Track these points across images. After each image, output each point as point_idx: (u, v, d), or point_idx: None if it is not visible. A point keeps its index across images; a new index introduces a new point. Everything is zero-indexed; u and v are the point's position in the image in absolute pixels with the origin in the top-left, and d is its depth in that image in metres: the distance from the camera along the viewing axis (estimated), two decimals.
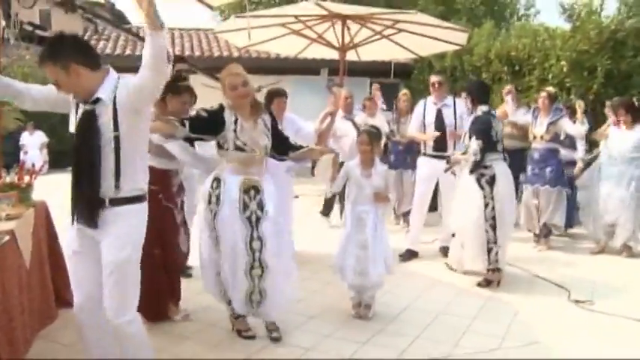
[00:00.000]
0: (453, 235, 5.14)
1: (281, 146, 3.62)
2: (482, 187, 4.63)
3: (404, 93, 7.39)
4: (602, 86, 8.32)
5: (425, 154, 5.70)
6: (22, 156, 11.80)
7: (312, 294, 4.39)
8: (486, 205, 4.61)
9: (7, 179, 3.68)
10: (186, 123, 3.35)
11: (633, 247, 5.92)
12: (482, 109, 4.74)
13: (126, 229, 2.55)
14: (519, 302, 4.40)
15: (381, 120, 7.02)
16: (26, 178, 3.70)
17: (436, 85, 5.63)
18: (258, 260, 3.39)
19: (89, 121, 2.47)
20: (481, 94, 4.86)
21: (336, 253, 3.99)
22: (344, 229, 4.02)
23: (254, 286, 3.41)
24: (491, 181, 4.64)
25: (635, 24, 8.82)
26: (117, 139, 2.47)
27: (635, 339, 3.76)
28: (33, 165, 3.96)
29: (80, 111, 2.50)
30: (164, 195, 3.68)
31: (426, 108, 5.67)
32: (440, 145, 5.56)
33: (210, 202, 3.44)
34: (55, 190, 4.33)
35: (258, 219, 3.40)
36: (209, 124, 3.42)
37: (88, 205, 2.50)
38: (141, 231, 2.63)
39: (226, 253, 3.42)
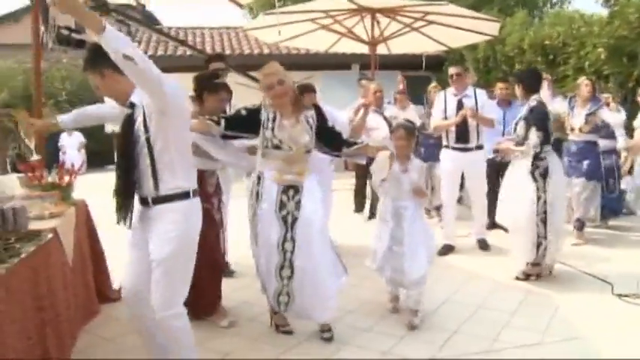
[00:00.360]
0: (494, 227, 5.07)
1: (334, 142, 3.60)
2: (535, 180, 4.50)
3: (434, 86, 7.31)
4: None
5: (447, 147, 5.61)
6: (60, 156, 12.14)
7: (349, 288, 4.38)
8: (538, 199, 4.49)
9: (49, 179, 3.78)
10: (222, 121, 3.38)
11: None
12: (535, 98, 4.60)
13: (169, 226, 2.61)
14: (560, 297, 4.30)
15: (413, 113, 6.96)
16: (66, 178, 3.79)
17: (454, 77, 5.53)
18: (288, 261, 3.39)
19: (127, 124, 2.60)
20: (533, 82, 4.72)
21: (372, 249, 3.96)
22: (380, 223, 3.97)
23: (282, 286, 3.41)
24: (545, 173, 4.50)
25: None
26: (148, 140, 2.56)
27: None
28: (72, 165, 4.05)
29: (123, 115, 2.63)
30: (200, 196, 3.68)
31: (447, 99, 5.58)
32: (463, 136, 5.47)
33: (251, 198, 3.48)
34: (94, 190, 4.43)
35: (294, 220, 3.39)
36: (246, 123, 3.44)
37: (132, 205, 2.64)
38: (188, 227, 2.68)
39: (262, 250, 3.44)
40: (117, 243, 4.33)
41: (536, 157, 4.50)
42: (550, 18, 10.47)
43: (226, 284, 4.11)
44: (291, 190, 3.41)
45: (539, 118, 4.52)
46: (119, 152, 2.67)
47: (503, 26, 8.27)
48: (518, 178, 4.61)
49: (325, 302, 3.47)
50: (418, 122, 6.89)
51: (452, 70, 5.62)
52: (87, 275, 3.80)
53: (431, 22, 6.72)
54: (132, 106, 2.58)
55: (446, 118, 5.53)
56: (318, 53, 8.17)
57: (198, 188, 3.63)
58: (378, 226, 3.98)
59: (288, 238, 3.38)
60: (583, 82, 6.08)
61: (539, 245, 4.51)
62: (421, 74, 11.00)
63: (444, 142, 5.67)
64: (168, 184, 2.61)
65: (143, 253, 2.67)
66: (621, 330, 3.68)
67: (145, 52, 12.49)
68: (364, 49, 7.39)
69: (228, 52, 12.89)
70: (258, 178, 3.45)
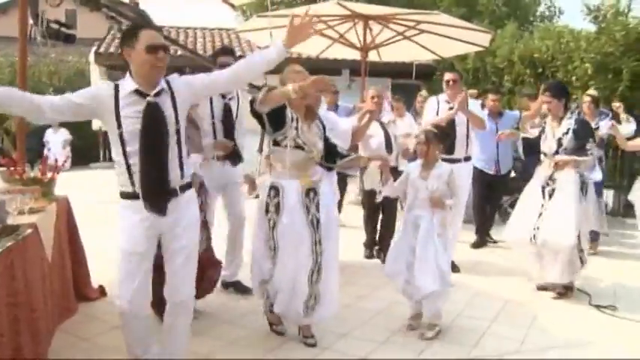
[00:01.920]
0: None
1: (329, 153, 3.55)
2: (584, 195, 4.48)
3: (420, 94, 7.34)
4: (628, 89, 8.17)
5: None
6: (45, 152, 12.00)
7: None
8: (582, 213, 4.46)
9: (31, 174, 3.74)
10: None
11: None
12: (573, 112, 4.63)
13: (194, 212, 2.84)
14: (538, 306, 4.35)
15: (410, 121, 7.00)
16: (49, 174, 3.75)
17: (450, 83, 5.23)
18: (319, 264, 3.36)
19: (156, 113, 2.57)
20: (568, 97, 4.70)
21: (387, 259, 3.89)
22: (400, 229, 3.88)
23: (312, 290, 3.37)
24: (587, 188, 4.54)
25: None
26: (178, 132, 2.64)
27: None
28: (56, 160, 4.00)
29: (143, 104, 2.56)
30: None
31: (439, 107, 5.27)
32: (449, 148, 5.01)
33: (268, 211, 3.35)
34: (77, 187, 4.40)
35: (318, 221, 3.37)
36: (273, 118, 3.30)
37: (161, 196, 2.62)
38: None
39: (286, 261, 3.33)
40: (98, 241, 4.33)
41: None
42: (539, 32, 10.58)
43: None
44: (312, 192, 3.38)
45: (591, 130, 4.55)
46: (145, 143, 2.55)
47: (493, 38, 8.33)
48: (565, 194, 4.45)
49: (335, 296, 3.51)
50: (416, 130, 6.94)
51: (448, 76, 5.34)
52: (66, 272, 3.76)
53: (423, 31, 6.75)
54: (158, 94, 2.58)
55: None
56: (309, 58, 8.16)
57: None
58: (396, 235, 3.93)
59: (317, 240, 3.36)
60: (584, 98, 6.12)
61: (581, 259, 4.47)
62: (411, 82, 11.07)
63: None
64: (188, 171, 2.76)
65: (149, 259, 2.71)
66: (597, 340, 3.72)
67: None
68: (355, 55, 7.41)
69: None
70: (276, 189, 3.36)
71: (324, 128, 3.55)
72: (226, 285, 4.44)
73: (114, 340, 3.38)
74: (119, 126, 2.55)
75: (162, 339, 2.91)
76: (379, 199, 5.52)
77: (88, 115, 2.71)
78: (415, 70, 9.01)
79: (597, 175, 4.52)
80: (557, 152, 4.53)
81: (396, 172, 4.63)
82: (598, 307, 4.32)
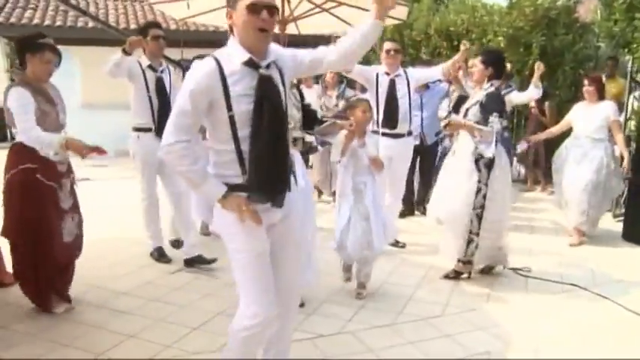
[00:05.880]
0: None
1: (308, 119, 3.56)
2: (479, 170, 4.13)
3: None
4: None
5: (376, 132, 4.81)
6: None
7: None
8: (478, 191, 4.13)
9: None
10: None
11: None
12: (495, 84, 4.27)
13: (300, 198, 2.59)
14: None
15: (318, 92, 7.04)
16: None
17: (391, 52, 4.92)
18: None
19: (273, 90, 2.19)
20: (500, 68, 4.38)
21: (337, 230, 3.88)
22: (340, 200, 3.92)
23: None
24: (490, 164, 4.13)
25: (566, 2, 9.13)
26: (286, 108, 2.27)
27: (564, 302, 3.97)
28: None
29: (255, 77, 2.15)
30: (43, 174, 3.34)
31: (379, 79, 4.92)
32: (391, 121, 4.91)
33: None
34: None
35: None
36: None
37: (282, 186, 2.27)
38: None
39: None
40: None
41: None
42: (455, 6, 10.83)
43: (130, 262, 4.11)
44: None
45: (499, 103, 4.23)
46: (262, 124, 2.12)
47: (410, 11, 8.45)
48: (459, 167, 4.26)
49: (314, 263, 3.57)
50: (320, 101, 7.00)
51: (389, 45, 4.99)
52: None
53: (341, 4, 6.72)
54: (269, 66, 2.20)
55: (377, 97, 4.90)
56: (227, 31, 7.95)
57: (41, 165, 3.33)
58: (339, 202, 3.96)
59: None
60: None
61: (469, 242, 4.21)
62: None
63: (372, 127, 4.73)
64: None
65: (267, 258, 2.33)
66: (514, 300, 3.96)
67: (42, 21, 11.64)
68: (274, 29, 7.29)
69: (133, 26, 12.29)
70: None
71: (301, 96, 3.57)
72: (189, 262, 4.42)
73: (31, 327, 3.28)
74: (229, 108, 2.13)
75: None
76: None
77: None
78: (334, 43, 9.01)
79: (489, 151, 4.06)
80: None
81: None
82: (514, 269, 4.55)
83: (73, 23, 11.86)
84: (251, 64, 2.15)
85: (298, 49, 2.40)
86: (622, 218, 6.08)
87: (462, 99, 6.89)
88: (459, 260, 4.30)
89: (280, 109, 2.20)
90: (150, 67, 4.35)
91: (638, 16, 6.47)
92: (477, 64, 4.35)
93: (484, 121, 4.15)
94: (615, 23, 7.04)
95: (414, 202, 6.74)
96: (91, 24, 11.35)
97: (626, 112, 6.85)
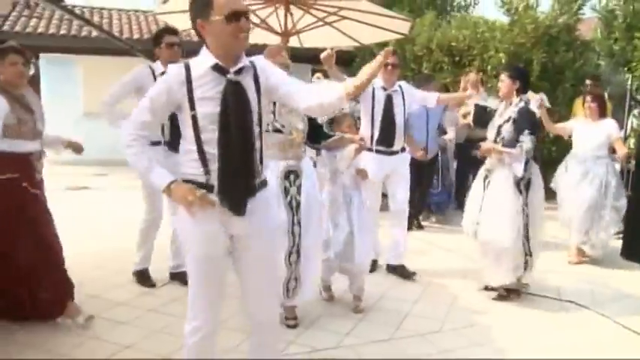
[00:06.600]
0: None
1: (315, 133, 3.59)
2: (520, 192, 4.07)
3: (317, 77, 7.26)
4: (538, 79, 8.62)
5: (370, 150, 4.54)
6: None
7: None
8: (522, 212, 4.07)
9: None
10: None
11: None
12: (523, 99, 4.18)
13: (273, 214, 2.51)
14: (457, 288, 4.52)
15: None
16: None
17: (389, 68, 4.65)
18: (296, 246, 3.40)
19: (240, 95, 2.22)
20: (527, 82, 4.33)
21: (324, 241, 3.84)
22: (334, 211, 3.87)
23: (291, 272, 3.42)
24: (528, 185, 4.09)
25: (566, 20, 9.19)
26: (260, 115, 2.29)
27: (563, 319, 3.96)
28: None
29: (222, 83, 2.19)
30: (28, 182, 3.32)
31: (375, 93, 4.69)
32: (387, 138, 4.69)
33: None
34: None
35: (298, 204, 3.41)
36: None
37: (243, 192, 2.25)
38: None
39: None
40: None
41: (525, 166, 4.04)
42: (457, 21, 10.90)
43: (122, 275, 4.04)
44: (292, 175, 3.42)
45: (531, 121, 4.14)
46: (227, 130, 2.17)
47: (413, 26, 8.50)
48: (501, 189, 4.13)
49: (314, 279, 3.60)
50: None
51: (389, 60, 4.55)
52: None
53: (344, 18, 6.77)
54: (239, 72, 2.22)
55: (372, 114, 4.69)
56: None
57: (25, 174, 3.30)
58: (332, 214, 3.85)
59: (295, 222, 3.40)
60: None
61: (525, 263, 4.14)
62: None
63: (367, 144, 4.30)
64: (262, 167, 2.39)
65: (223, 267, 2.35)
66: (509, 316, 3.96)
67: (47, 30, 11.71)
68: (276, 41, 7.33)
69: (136, 36, 12.37)
70: None
71: None
72: (173, 276, 4.33)
73: (29, 338, 3.26)
74: (192, 108, 2.19)
75: None
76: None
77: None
78: (336, 57, 9.03)
79: (518, 171, 3.99)
80: (495, 142, 4.21)
81: None
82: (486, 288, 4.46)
83: (77, 32, 11.93)
84: (218, 69, 2.20)
85: (285, 75, 2.40)
86: (621, 235, 6.06)
87: (480, 110, 6.81)
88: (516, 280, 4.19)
89: (247, 114, 2.23)
90: (163, 74, 4.14)
91: (637, 35, 6.53)
92: (503, 78, 4.26)
93: (517, 140, 4.07)
94: (615, 42, 7.10)
95: (418, 218, 6.73)
96: (94, 33, 11.42)
97: (626, 129, 6.87)
